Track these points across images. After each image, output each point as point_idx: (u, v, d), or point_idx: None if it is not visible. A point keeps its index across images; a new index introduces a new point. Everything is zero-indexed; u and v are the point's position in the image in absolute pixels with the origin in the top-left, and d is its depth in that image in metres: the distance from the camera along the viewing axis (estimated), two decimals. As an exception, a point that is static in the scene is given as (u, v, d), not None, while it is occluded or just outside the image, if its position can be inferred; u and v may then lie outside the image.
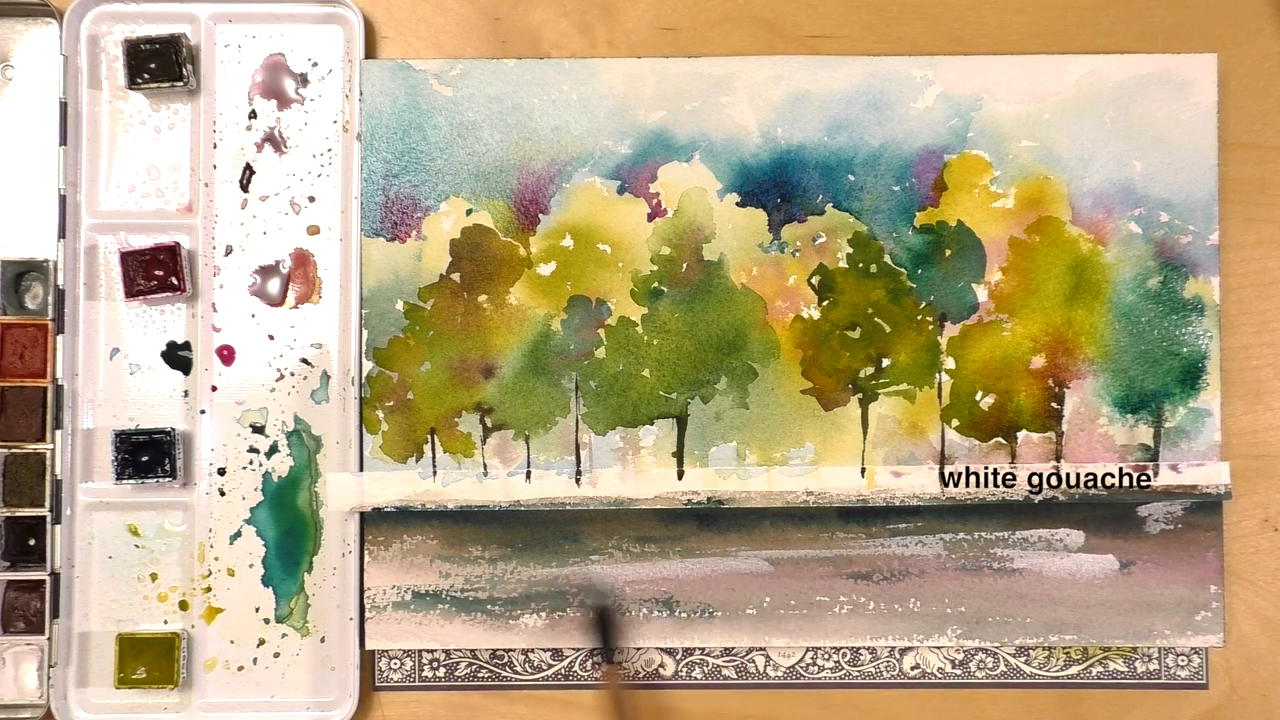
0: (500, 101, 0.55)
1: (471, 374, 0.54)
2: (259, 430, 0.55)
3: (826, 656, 0.56)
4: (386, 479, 0.54)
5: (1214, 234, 0.54)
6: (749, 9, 0.56)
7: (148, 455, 0.54)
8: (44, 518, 0.54)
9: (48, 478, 0.54)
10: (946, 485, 0.54)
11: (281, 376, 0.55)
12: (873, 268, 0.55)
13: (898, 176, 0.54)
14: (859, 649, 0.56)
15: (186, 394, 0.55)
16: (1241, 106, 0.56)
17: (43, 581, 0.54)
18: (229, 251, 0.55)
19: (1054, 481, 0.54)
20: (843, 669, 0.56)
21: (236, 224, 0.55)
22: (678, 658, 0.56)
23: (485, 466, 0.54)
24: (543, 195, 0.55)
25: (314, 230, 0.55)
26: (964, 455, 0.54)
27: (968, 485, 0.54)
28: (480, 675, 0.55)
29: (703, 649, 0.56)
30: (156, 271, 0.54)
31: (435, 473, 0.54)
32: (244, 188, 0.55)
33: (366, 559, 0.55)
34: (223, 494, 0.55)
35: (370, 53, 0.56)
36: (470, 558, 0.55)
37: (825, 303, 0.55)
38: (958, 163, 0.55)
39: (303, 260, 0.55)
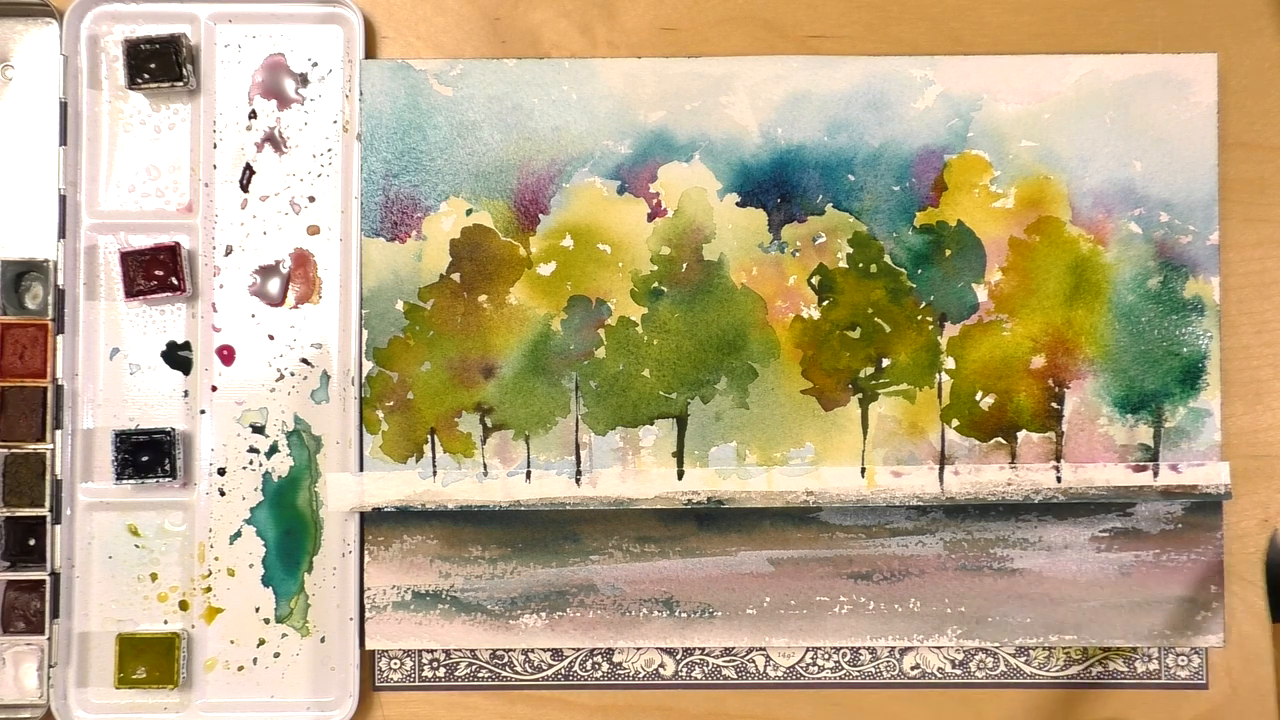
0: (500, 101, 0.55)
1: (471, 374, 0.54)
2: (259, 430, 0.55)
3: (826, 656, 0.56)
4: (386, 479, 0.54)
5: (1214, 234, 0.54)
6: (749, 9, 0.56)
7: (148, 455, 0.54)
8: (44, 518, 0.54)
9: (48, 478, 0.54)
10: (946, 485, 0.54)
11: (281, 376, 0.55)
12: (873, 268, 0.55)
13: (898, 176, 0.54)
14: (859, 649, 0.56)
15: (186, 394, 0.55)
16: (1241, 106, 0.56)
17: (43, 581, 0.54)
18: (229, 251, 0.55)
19: (1054, 481, 0.54)
20: (843, 669, 0.56)
21: (236, 224, 0.55)
22: (678, 658, 0.56)
23: (485, 466, 0.54)
24: (543, 195, 0.55)
25: (314, 230, 0.55)
26: (964, 455, 0.54)
27: (968, 485, 0.54)
28: (480, 675, 0.55)
29: (703, 649, 0.56)
30: (156, 271, 0.54)
31: (435, 473, 0.54)
32: (244, 188, 0.55)
33: (366, 559, 0.55)
34: (223, 494, 0.55)
35: (370, 53, 0.56)
36: (470, 558, 0.55)
37: (825, 303, 0.55)
38: (958, 163, 0.55)
39: (303, 260, 0.55)
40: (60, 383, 0.54)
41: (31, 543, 0.54)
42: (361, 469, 0.54)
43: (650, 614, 0.55)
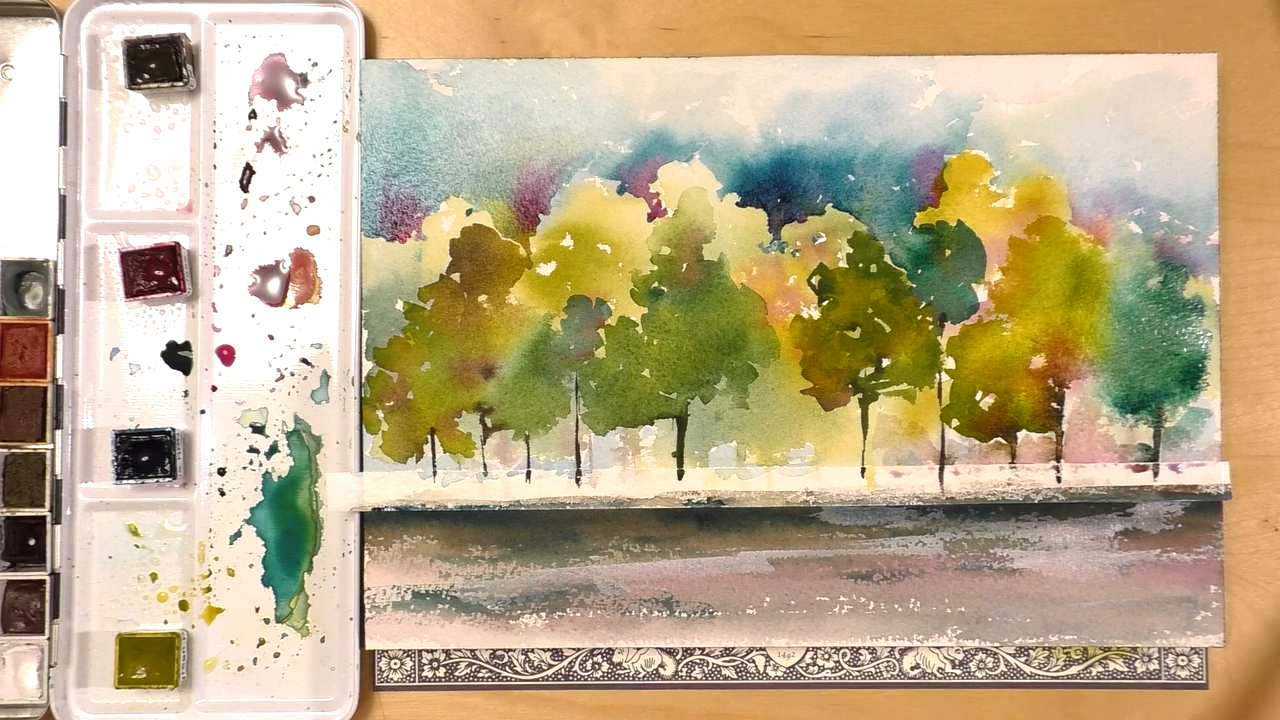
0: (500, 101, 0.55)
1: (471, 374, 0.54)
2: (259, 430, 0.55)
3: (826, 656, 0.56)
4: (386, 479, 0.54)
5: (1214, 234, 0.54)
6: (749, 9, 0.56)
7: (148, 455, 0.54)
8: (44, 518, 0.54)
9: (48, 478, 0.54)
10: (946, 485, 0.54)
11: (281, 376, 0.55)
12: (873, 268, 0.55)
13: (898, 176, 0.54)
14: (859, 649, 0.56)
15: (186, 394, 0.55)
16: (1241, 106, 0.56)
17: (43, 581, 0.54)
18: (229, 251, 0.55)
19: (1054, 481, 0.54)
20: (843, 669, 0.56)
21: (236, 224, 0.55)
22: (678, 658, 0.56)
23: (485, 466, 0.54)
24: (543, 195, 0.55)
25: (314, 230, 0.55)
26: (964, 455, 0.54)
27: (968, 485, 0.54)
28: (480, 675, 0.55)
29: (703, 649, 0.56)
30: (156, 271, 0.54)
31: (435, 473, 0.54)
32: (244, 188, 0.55)
33: (366, 559, 0.55)
34: (223, 494, 0.55)
35: (370, 53, 0.56)
36: (470, 558, 0.55)
37: (825, 303, 0.55)
38: (958, 163, 0.55)
39: (303, 260, 0.55)
40: (60, 383, 0.54)
41: (31, 543, 0.54)
42: (361, 469, 0.54)
43: (650, 614, 0.55)
